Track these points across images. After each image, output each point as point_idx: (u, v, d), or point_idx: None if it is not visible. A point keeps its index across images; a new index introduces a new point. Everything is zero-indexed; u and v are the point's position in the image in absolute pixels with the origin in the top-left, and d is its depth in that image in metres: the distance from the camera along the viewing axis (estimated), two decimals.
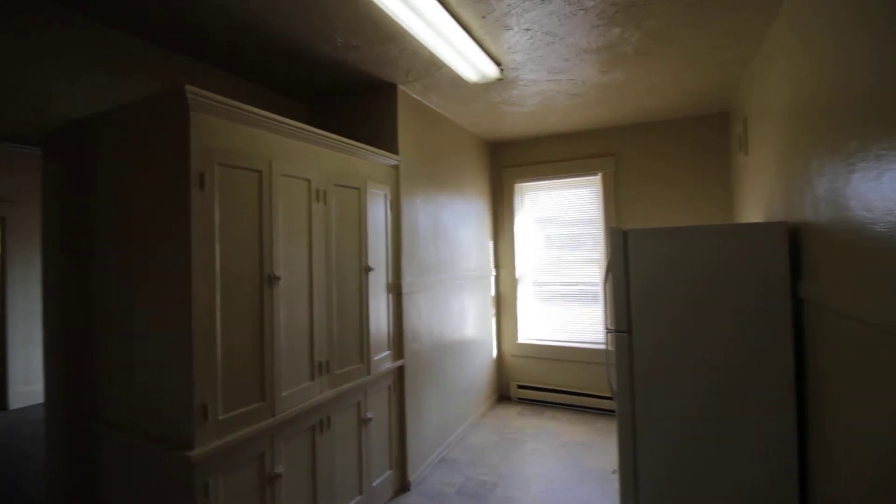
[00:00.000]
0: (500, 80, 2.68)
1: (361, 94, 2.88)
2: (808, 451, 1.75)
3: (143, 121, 1.66)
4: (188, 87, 1.49)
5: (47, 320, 1.85)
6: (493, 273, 4.28)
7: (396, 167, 2.74)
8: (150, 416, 1.63)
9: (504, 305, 4.34)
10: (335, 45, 2.23)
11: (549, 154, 4.12)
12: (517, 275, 4.28)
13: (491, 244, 4.24)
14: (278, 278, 1.83)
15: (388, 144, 2.75)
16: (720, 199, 3.52)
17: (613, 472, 2.88)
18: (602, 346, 3.91)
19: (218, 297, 1.59)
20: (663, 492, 1.95)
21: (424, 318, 2.98)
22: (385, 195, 2.62)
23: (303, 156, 2.02)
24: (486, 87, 2.83)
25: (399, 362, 2.68)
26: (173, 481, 1.52)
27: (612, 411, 3.83)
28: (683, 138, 3.64)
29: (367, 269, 2.41)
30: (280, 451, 1.83)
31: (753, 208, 2.73)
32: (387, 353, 2.58)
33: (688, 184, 3.62)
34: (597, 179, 3.95)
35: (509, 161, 4.31)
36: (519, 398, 4.23)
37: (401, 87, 2.78)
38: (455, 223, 3.47)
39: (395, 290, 2.70)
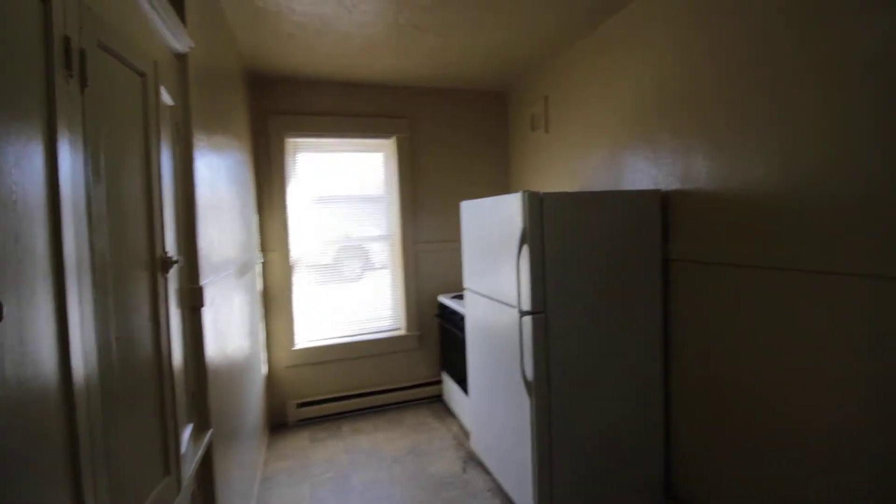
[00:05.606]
0: None
1: None
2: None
3: None
4: None
5: None
6: (261, 259, 3.08)
7: (185, 59, 1.39)
8: None
9: (275, 303, 3.21)
10: None
11: (334, 104, 3.24)
12: (291, 260, 3.24)
13: (256, 219, 3.01)
14: None
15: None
16: (500, 171, 3.70)
17: (464, 470, 2.57)
18: (393, 333, 3.48)
19: None
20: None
21: (222, 336, 1.72)
22: (173, 112, 1.28)
23: None
24: None
25: (207, 435, 1.41)
26: None
27: (412, 401, 3.49)
28: (473, 109, 3.60)
29: (168, 263, 1.09)
30: None
31: (555, 178, 2.97)
32: (189, 427, 1.30)
33: (476, 154, 3.63)
34: (389, 144, 3.42)
35: (281, 106, 3.14)
36: (301, 420, 3.25)
37: None
38: (230, 185, 2.19)
39: (192, 298, 1.39)
